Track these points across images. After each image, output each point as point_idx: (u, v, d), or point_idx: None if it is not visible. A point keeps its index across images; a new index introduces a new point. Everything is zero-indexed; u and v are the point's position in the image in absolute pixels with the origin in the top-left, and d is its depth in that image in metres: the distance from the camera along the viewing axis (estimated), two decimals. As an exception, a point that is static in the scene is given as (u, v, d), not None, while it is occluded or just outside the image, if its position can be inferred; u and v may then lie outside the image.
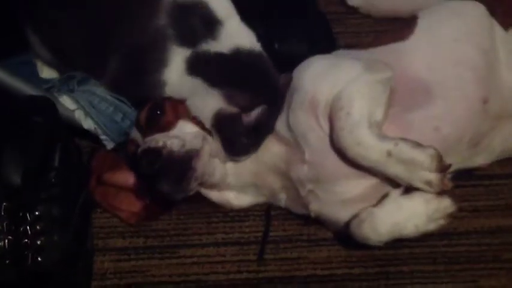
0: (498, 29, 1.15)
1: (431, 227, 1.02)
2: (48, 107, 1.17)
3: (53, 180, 1.12)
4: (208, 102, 1.12)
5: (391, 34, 1.19)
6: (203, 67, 1.15)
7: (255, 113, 1.08)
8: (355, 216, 1.06)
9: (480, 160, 1.16)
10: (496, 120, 1.12)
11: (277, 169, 1.13)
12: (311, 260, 1.15)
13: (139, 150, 1.07)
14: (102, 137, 1.26)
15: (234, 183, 1.16)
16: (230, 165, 1.14)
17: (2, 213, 1.07)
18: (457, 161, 1.11)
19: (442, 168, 1.00)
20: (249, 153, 1.11)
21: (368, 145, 1.01)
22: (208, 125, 1.11)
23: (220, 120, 1.09)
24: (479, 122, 1.11)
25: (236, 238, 1.18)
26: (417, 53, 1.13)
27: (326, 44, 1.39)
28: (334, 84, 1.06)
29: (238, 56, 1.16)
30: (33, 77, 1.35)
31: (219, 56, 1.15)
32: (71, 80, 1.29)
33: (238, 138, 1.09)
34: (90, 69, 1.28)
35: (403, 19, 1.32)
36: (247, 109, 1.09)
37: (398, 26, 1.22)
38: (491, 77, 1.12)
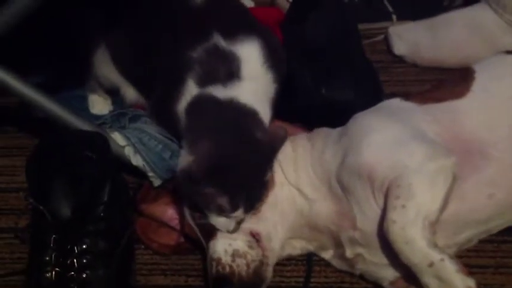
0: None
1: None
2: (100, 142, 1.19)
3: (101, 214, 1.14)
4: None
5: (447, 90, 1.17)
6: (189, 111, 1.15)
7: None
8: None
9: None
10: None
11: (328, 231, 1.13)
12: (352, 308, 1.14)
13: (211, 279, 1.09)
14: (150, 173, 1.28)
15: (285, 238, 1.15)
16: (285, 224, 1.14)
17: (51, 245, 1.09)
18: (509, 220, 1.11)
19: None
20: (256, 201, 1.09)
21: (415, 248, 0.98)
22: None
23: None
24: None
25: (277, 282, 1.17)
26: (474, 113, 1.10)
27: (373, 92, 1.40)
28: (394, 166, 1.03)
29: (229, 105, 1.13)
30: (85, 112, 1.39)
31: (211, 99, 1.14)
32: (122, 117, 1.32)
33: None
34: (144, 90, 1.31)
35: (456, 70, 1.32)
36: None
37: (454, 80, 1.20)
38: None
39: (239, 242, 1.10)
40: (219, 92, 1.15)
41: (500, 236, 1.17)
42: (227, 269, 1.08)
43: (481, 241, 1.16)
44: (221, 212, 1.06)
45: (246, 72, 1.18)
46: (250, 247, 1.10)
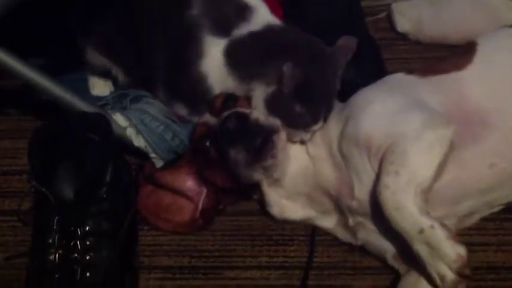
0: None
1: None
2: (102, 123, 1.19)
3: (104, 195, 1.14)
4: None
5: (450, 62, 1.17)
6: (238, 56, 1.17)
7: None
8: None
9: None
10: None
11: (329, 194, 1.14)
12: (355, 288, 1.14)
13: (227, 112, 1.11)
14: (152, 155, 1.28)
15: (289, 188, 1.16)
16: (291, 167, 1.15)
17: (54, 227, 1.09)
18: (510, 194, 1.10)
19: (462, 273, 0.97)
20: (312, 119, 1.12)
21: (406, 214, 0.98)
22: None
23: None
24: None
25: (280, 262, 1.18)
26: (476, 83, 1.10)
27: (375, 70, 1.39)
28: (391, 133, 1.04)
29: (270, 29, 1.17)
30: (86, 94, 1.39)
31: (251, 35, 1.17)
32: (124, 98, 1.32)
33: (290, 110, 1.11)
34: (143, 76, 1.32)
35: (458, 46, 1.31)
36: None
37: (457, 53, 1.20)
38: None
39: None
40: (247, 27, 1.18)
41: (502, 214, 1.17)
42: (247, 110, 1.11)
43: (482, 219, 1.16)
44: (306, 127, 1.11)
45: (252, 3, 1.21)
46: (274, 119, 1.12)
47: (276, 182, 1.16)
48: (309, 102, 1.10)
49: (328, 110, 1.13)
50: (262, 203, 1.21)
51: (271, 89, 1.11)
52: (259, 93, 1.13)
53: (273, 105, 1.11)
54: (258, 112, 1.12)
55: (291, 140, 1.14)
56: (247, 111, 1.12)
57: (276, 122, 1.12)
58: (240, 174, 1.12)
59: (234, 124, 1.09)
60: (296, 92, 1.09)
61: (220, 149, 1.11)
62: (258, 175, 1.13)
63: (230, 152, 1.09)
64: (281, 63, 1.07)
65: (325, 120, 1.13)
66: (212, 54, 1.19)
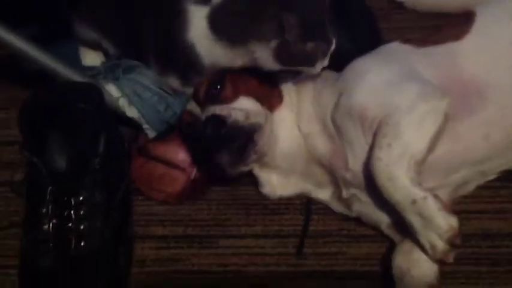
0: None
1: None
2: (94, 94, 1.18)
3: (97, 166, 1.13)
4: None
5: (447, 32, 1.15)
6: (224, 22, 1.14)
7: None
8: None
9: None
10: None
11: (323, 166, 1.13)
12: (350, 255, 1.14)
13: (205, 115, 1.10)
14: (145, 125, 1.27)
15: (282, 167, 1.16)
16: (282, 148, 1.14)
17: (48, 197, 1.09)
18: (505, 163, 1.10)
19: (454, 242, 0.97)
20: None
21: (398, 185, 0.99)
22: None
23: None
24: None
25: (275, 231, 1.18)
26: (472, 55, 1.09)
27: (372, 40, 1.37)
28: (385, 105, 1.03)
29: None
30: (78, 64, 1.37)
31: None
32: (116, 68, 1.30)
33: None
34: (134, 48, 1.30)
35: (457, 15, 1.30)
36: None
37: (454, 23, 1.18)
38: None
39: (247, 107, 1.11)
40: None
41: (497, 182, 1.16)
42: (225, 112, 1.09)
43: (478, 187, 1.15)
44: (325, 53, 1.09)
45: None
46: (258, 113, 1.11)
47: (267, 164, 1.16)
48: (316, 34, 1.08)
49: (329, 24, 1.10)
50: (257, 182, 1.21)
51: (273, 43, 1.07)
52: (263, 53, 1.10)
53: (284, 57, 1.08)
54: (238, 111, 1.10)
55: (313, 75, 1.13)
56: (225, 113, 1.09)
57: (258, 117, 1.10)
58: (227, 172, 1.13)
59: (213, 130, 1.08)
60: (300, 34, 1.06)
61: (203, 151, 1.11)
62: (244, 168, 1.14)
63: (213, 155, 1.10)
64: (272, 16, 1.05)
65: (334, 35, 1.10)
66: (196, 23, 1.17)
